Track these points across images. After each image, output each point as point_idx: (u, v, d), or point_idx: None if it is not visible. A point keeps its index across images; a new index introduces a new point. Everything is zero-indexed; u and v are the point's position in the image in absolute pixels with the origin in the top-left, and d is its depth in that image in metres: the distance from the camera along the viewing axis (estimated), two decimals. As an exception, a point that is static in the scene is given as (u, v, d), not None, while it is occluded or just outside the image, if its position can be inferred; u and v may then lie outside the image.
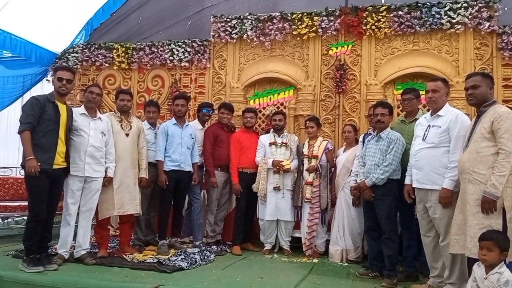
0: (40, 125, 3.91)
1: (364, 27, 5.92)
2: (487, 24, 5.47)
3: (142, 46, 6.80)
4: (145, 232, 5.19)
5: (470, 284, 2.93)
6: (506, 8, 5.55)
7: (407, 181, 3.88)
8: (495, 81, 5.16)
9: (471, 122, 3.42)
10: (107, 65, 7.00)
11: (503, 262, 2.79)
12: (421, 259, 4.14)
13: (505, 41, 5.43)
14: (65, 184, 4.25)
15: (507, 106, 3.92)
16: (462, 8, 5.55)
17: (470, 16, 5.52)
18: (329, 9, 6.07)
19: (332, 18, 6.04)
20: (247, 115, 5.51)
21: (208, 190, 5.48)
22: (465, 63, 5.59)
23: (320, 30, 6.08)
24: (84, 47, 7.10)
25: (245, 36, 6.37)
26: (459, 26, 5.57)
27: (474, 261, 2.98)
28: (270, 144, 5.34)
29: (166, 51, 6.69)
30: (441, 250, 3.57)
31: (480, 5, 5.49)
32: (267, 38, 6.28)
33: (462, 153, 3.32)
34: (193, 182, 5.22)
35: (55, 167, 3.97)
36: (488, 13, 5.48)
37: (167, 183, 4.95)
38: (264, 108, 6.35)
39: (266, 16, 6.29)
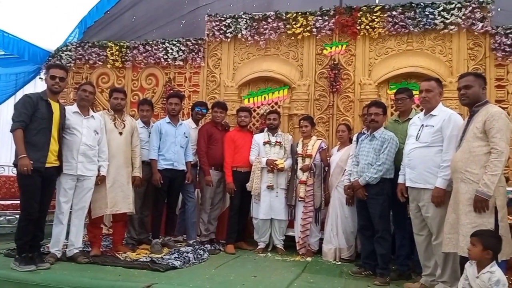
0: (33, 123, 3.89)
1: (358, 27, 5.93)
2: (480, 24, 5.50)
3: (136, 45, 6.78)
4: (138, 231, 5.17)
5: (462, 282, 2.95)
6: (499, 9, 5.58)
7: (400, 180, 3.90)
8: (488, 81, 5.20)
9: (464, 122, 3.44)
10: (100, 63, 6.97)
11: (494, 262, 2.81)
12: (413, 258, 4.16)
13: (498, 41, 5.46)
14: (58, 183, 4.23)
15: (499, 106, 3.95)
16: (456, 9, 5.58)
17: (463, 17, 5.55)
18: (323, 9, 6.08)
19: (326, 18, 6.05)
20: (241, 114, 5.51)
21: (202, 189, 5.47)
22: (459, 63, 5.63)
23: (314, 29, 6.09)
24: (77, 45, 7.06)
25: (239, 35, 6.37)
26: (452, 27, 5.60)
27: (466, 260, 3.00)
28: (264, 143, 5.35)
29: (160, 49, 6.67)
30: (433, 249, 3.59)
31: (473, 5, 5.52)
32: (262, 37, 6.28)
33: (455, 153, 3.34)
34: (186, 181, 5.21)
35: (47, 165, 3.94)
36: (481, 13, 5.51)
37: (161, 181, 4.94)
38: (258, 107, 6.35)
39: (260, 16, 6.29)
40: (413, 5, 5.75)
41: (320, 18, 6.06)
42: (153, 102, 5.69)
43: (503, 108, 4.14)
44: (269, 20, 6.22)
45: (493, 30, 5.50)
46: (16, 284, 3.66)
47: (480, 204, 3.03)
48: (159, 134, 5.05)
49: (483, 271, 2.79)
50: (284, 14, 6.19)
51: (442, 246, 3.33)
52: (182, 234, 5.55)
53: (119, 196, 4.61)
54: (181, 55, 6.61)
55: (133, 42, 6.82)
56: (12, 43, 6.74)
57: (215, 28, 6.47)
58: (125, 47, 6.82)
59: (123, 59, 6.84)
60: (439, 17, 5.63)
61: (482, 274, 2.78)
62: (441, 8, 5.63)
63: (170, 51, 6.62)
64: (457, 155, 3.27)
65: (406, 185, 3.79)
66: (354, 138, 4.74)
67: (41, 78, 7.05)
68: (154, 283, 3.54)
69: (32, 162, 3.78)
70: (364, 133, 4.48)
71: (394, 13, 5.79)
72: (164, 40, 6.68)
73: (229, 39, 6.46)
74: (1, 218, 5.61)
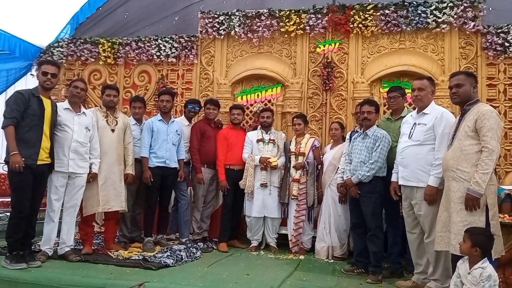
0: (25, 120, 3.86)
1: (351, 25, 5.95)
2: (472, 23, 5.54)
3: (129, 41, 6.74)
4: (131, 229, 5.15)
5: (454, 280, 2.98)
6: (490, 8, 5.63)
7: (393, 178, 3.91)
8: (480, 80, 5.29)
9: (455, 120, 3.46)
10: (92, 60, 6.92)
11: (486, 258, 2.84)
12: (406, 256, 4.19)
13: (489, 40, 5.51)
14: (49, 180, 4.20)
15: (491, 105, 3.98)
16: (448, 8, 5.61)
17: (455, 16, 5.59)
18: (316, 7, 6.09)
19: (319, 16, 6.05)
20: (234, 112, 5.50)
21: (194, 186, 5.46)
22: (450, 62, 5.67)
23: (307, 27, 6.09)
24: (69, 41, 7.00)
25: (232, 32, 6.36)
26: (444, 26, 5.64)
27: (458, 258, 3.02)
28: (258, 140, 5.34)
29: (153, 46, 6.64)
30: (425, 246, 3.61)
31: (465, 5, 5.57)
32: (255, 34, 6.27)
33: (446, 151, 3.36)
34: (179, 179, 5.19)
35: (39, 162, 3.92)
36: (473, 13, 5.55)
37: (152, 179, 4.91)
38: (251, 105, 6.35)
39: (254, 13, 6.27)
40: (405, 3, 5.78)
41: (313, 16, 6.06)
42: (145, 99, 5.66)
43: (494, 107, 4.17)
44: (262, 17, 6.21)
45: (485, 30, 5.55)
46: (6, 282, 3.63)
47: (472, 202, 3.05)
48: (150, 131, 5.03)
49: (475, 267, 2.82)
50: (277, 12, 6.19)
51: (434, 245, 3.35)
52: (174, 232, 5.53)
53: (111, 194, 4.58)
54: (174, 52, 6.58)
55: (126, 38, 6.78)
56: (3, 39, 6.66)
57: (208, 25, 6.45)
58: (117, 43, 6.78)
59: (115, 56, 6.80)
60: (432, 16, 5.67)
61: (473, 270, 2.82)
62: (433, 7, 5.67)
63: (163, 48, 6.59)
64: (449, 154, 3.29)
65: (399, 183, 3.80)
66: (347, 136, 4.75)
67: (32, 75, 6.98)
68: (146, 281, 3.53)
69: (23, 159, 3.75)
70: (357, 131, 4.49)
71: (386, 11, 5.82)
72: (157, 37, 6.65)
73: (222, 36, 6.45)
74: (-8, 216, 5.56)
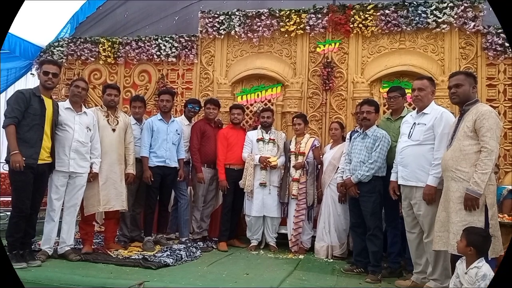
0: (25, 120, 3.87)
1: (351, 25, 5.96)
2: (472, 24, 5.55)
3: (129, 41, 6.75)
4: (131, 228, 5.15)
5: (453, 280, 2.99)
6: (490, 9, 5.61)
7: (392, 178, 3.92)
8: (480, 80, 5.30)
9: (454, 120, 3.47)
10: (92, 59, 6.93)
11: (482, 258, 2.85)
12: (405, 255, 4.19)
13: (489, 41, 5.51)
14: (50, 180, 4.20)
15: (490, 105, 3.99)
16: (448, 8, 5.62)
17: (455, 16, 5.60)
18: (317, 7, 6.10)
19: (319, 16, 6.06)
20: (234, 112, 5.51)
21: (194, 186, 5.46)
22: (450, 62, 5.68)
23: (307, 27, 6.10)
24: (69, 40, 7.01)
25: (233, 32, 6.37)
26: (444, 26, 5.65)
27: (457, 258, 3.03)
28: (258, 140, 5.35)
29: (153, 46, 6.65)
30: (425, 246, 3.62)
31: (465, 5, 5.58)
32: (255, 34, 6.28)
33: (445, 151, 3.37)
34: (179, 178, 5.19)
35: (40, 162, 3.92)
36: (473, 13, 5.56)
37: (152, 179, 4.92)
38: (251, 104, 6.36)
39: (254, 13, 6.28)
40: (405, 4, 5.79)
41: (314, 16, 6.07)
42: (145, 99, 5.65)
43: (494, 107, 4.19)
44: (263, 17, 6.22)
45: (485, 30, 5.56)
46: (7, 282, 3.64)
47: (471, 202, 3.06)
48: (150, 131, 5.03)
49: (471, 267, 2.84)
50: (277, 12, 6.20)
51: (433, 244, 3.36)
52: (174, 231, 5.53)
53: (112, 194, 4.59)
54: (174, 52, 6.59)
55: (126, 38, 6.79)
56: (3, 38, 6.67)
57: (208, 24, 6.46)
58: (117, 43, 6.79)
59: (115, 55, 6.81)
60: (432, 16, 5.68)
61: (470, 270, 2.84)
62: (433, 7, 5.68)
63: (163, 47, 6.61)
64: (448, 154, 3.30)
65: (398, 183, 3.81)
66: (347, 136, 4.76)
67: (32, 74, 7.00)
68: (146, 281, 3.53)
69: (24, 158, 3.76)
70: (357, 131, 4.50)
71: (387, 11, 5.83)
72: (157, 37, 6.66)
73: (222, 36, 6.46)
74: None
